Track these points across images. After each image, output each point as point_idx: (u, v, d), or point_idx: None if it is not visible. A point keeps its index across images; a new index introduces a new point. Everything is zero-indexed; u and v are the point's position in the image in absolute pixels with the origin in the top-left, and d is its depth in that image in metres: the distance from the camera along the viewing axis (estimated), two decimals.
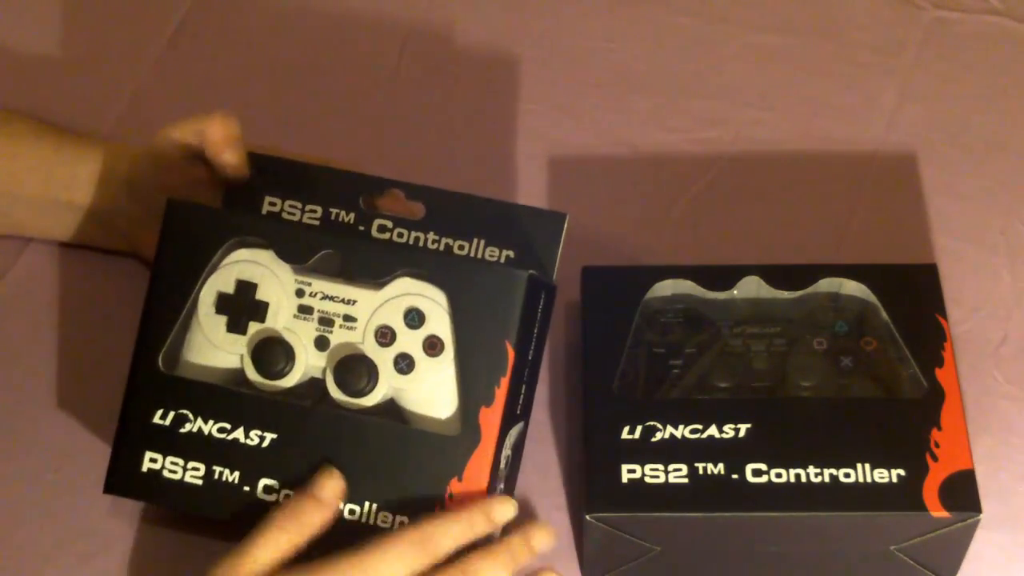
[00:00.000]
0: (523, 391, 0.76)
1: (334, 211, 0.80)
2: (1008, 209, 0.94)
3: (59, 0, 1.05)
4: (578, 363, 0.83)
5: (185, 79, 1.02)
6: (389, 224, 0.80)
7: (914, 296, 0.82)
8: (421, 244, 0.80)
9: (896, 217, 0.94)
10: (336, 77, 1.02)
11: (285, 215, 0.81)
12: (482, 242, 0.79)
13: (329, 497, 0.72)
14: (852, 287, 0.83)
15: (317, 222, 0.80)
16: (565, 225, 0.79)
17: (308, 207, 0.81)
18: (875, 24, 1.03)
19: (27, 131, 0.90)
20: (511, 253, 0.79)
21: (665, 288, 0.83)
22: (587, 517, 0.75)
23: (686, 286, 0.83)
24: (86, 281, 0.91)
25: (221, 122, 0.80)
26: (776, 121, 0.99)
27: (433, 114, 1.00)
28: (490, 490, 0.73)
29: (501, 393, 0.73)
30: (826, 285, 0.83)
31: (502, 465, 0.75)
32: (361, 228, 0.80)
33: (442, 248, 0.79)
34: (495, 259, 0.79)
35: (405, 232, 0.80)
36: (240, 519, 0.74)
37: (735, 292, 0.83)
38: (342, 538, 0.71)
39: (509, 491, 0.78)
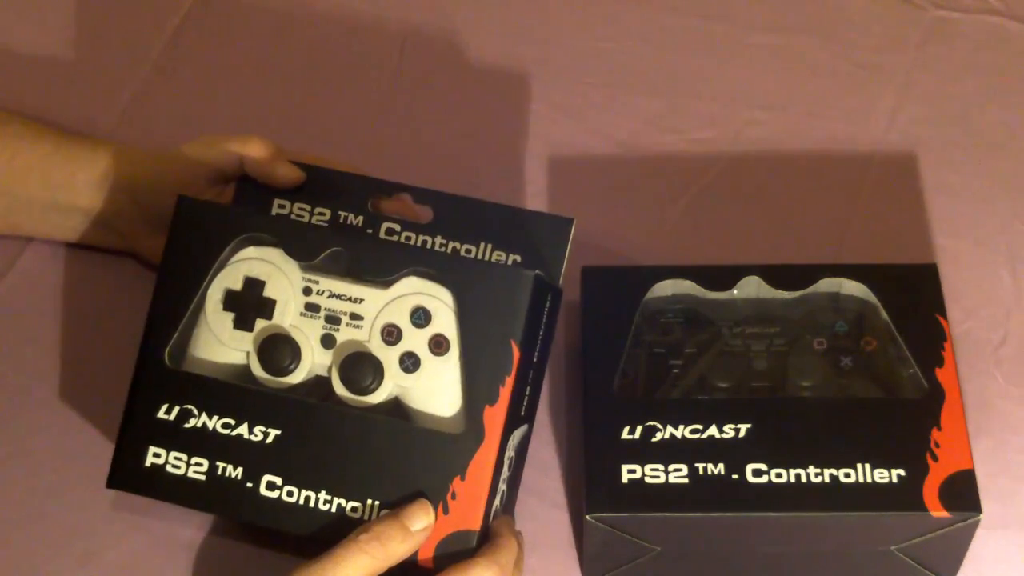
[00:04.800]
0: (528, 393, 0.76)
1: (343, 214, 0.81)
2: (1008, 209, 0.94)
3: (59, 0, 1.05)
4: (578, 363, 0.83)
5: (185, 79, 1.02)
6: (397, 227, 0.80)
7: (914, 296, 0.82)
8: (428, 247, 0.80)
9: (896, 217, 0.94)
10: (336, 78, 1.02)
11: (294, 217, 0.81)
12: (489, 246, 0.80)
13: (419, 530, 0.72)
14: (852, 287, 0.83)
15: (325, 225, 0.81)
16: (572, 230, 0.79)
17: (317, 210, 0.81)
18: (875, 24, 1.03)
19: (26, 132, 0.89)
20: (518, 257, 0.79)
21: (665, 288, 0.83)
22: (587, 517, 0.75)
23: (686, 286, 0.83)
24: (86, 281, 0.91)
25: (261, 142, 0.82)
26: (776, 121, 0.99)
27: (433, 115, 1.00)
28: (492, 490, 0.73)
29: (505, 392, 0.73)
30: (826, 285, 0.83)
31: (505, 466, 0.75)
32: (369, 231, 0.81)
33: (449, 252, 0.80)
34: (502, 263, 0.79)
35: (413, 236, 0.80)
36: (245, 517, 0.74)
37: (735, 292, 0.83)
38: (343, 536, 0.71)
39: (512, 494, 0.78)
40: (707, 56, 1.02)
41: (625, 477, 0.76)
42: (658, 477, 0.75)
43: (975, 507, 0.74)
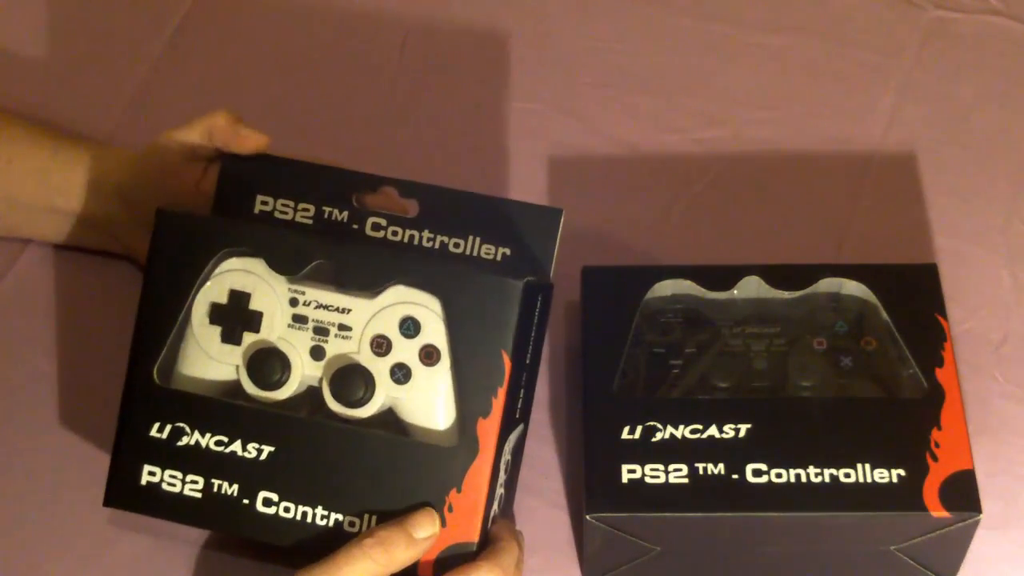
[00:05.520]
0: (521, 395, 0.76)
1: (327, 210, 0.80)
2: (1008, 209, 0.94)
3: (59, 0, 1.05)
4: (578, 363, 0.83)
5: (185, 79, 1.02)
6: (383, 222, 0.79)
7: (914, 296, 0.82)
8: (416, 243, 0.79)
9: (896, 217, 0.94)
10: (336, 76, 1.02)
11: (277, 214, 0.80)
12: (477, 239, 0.79)
13: (423, 538, 0.71)
14: (852, 287, 0.83)
15: (310, 221, 0.80)
16: (561, 220, 0.78)
17: (301, 206, 0.80)
18: (875, 24, 1.03)
19: (23, 135, 0.89)
20: (507, 250, 0.78)
21: (665, 288, 0.83)
22: (587, 517, 0.75)
23: (686, 286, 0.83)
24: (84, 283, 0.91)
25: (226, 112, 0.81)
26: (776, 121, 0.99)
27: (433, 113, 1.00)
28: (489, 500, 0.73)
29: (498, 404, 0.72)
30: (826, 285, 0.83)
31: (502, 472, 0.74)
32: (355, 227, 0.79)
33: (437, 246, 0.79)
34: (491, 257, 0.78)
35: (399, 230, 0.79)
36: (243, 533, 0.74)
37: (735, 292, 0.83)
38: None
39: (510, 495, 0.78)
40: (707, 56, 1.02)
41: (625, 477, 0.76)
42: (658, 477, 0.75)
43: (975, 507, 0.74)
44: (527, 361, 0.75)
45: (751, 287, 0.83)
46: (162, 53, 1.03)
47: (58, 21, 1.04)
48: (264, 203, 0.80)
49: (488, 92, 1.01)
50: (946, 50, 1.02)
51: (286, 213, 0.80)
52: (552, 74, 1.01)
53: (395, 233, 0.79)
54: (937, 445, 0.76)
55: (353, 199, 0.80)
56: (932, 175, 0.96)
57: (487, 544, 0.73)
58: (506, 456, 0.75)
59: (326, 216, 0.80)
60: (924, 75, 1.01)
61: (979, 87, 1.00)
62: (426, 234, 0.79)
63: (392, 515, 0.72)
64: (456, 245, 0.79)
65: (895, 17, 1.04)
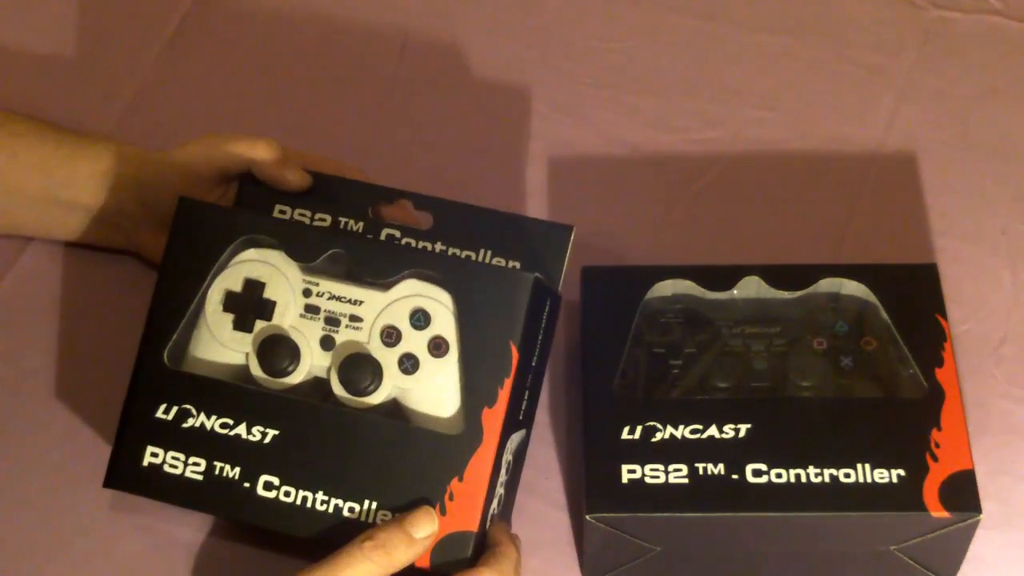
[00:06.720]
0: (526, 397, 0.76)
1: (343, 220, 0.81)
2: (1008, 209, 0.94)
3: (59, 0, 1.05)
4: (578, 363, 0.83)
5: (185, 79, 1.02)
6: (397, 234, 0.81)
7: (914, 296, 0.82)
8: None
9: (896, 217, 0.94)
10: (336, 78, 1.02)
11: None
12: (489, 252, 0.80)
13: (423, 538, 0.71)
14: (852, 287, 0.83)
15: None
16: (571, 237, 0.79)
17: (318, 215, 0.82)
18: (875, 24, 1.03)
19: (28, 130, 0.89)
20: (517, 264, 0.80)
21: (665, 288, 0.83)
22: (587, 517, 0.75)
23: (686, 286, 0.83)
24: (87, 280, 0.91)
25: (268, 145, 0.82)
26: (776, 121, 0.99)
27: (433, 115, 1.00)
28: (489, 491, 0.73)
29: (504, 394, 0.73)
30: (826, 285, 0.83)
31: (503, 468, 0.75)
32: (369, 236, 0.81)
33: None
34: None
35: (413, 242, 0.81)
36: (242, 517, 0.74)
37: (735, 292, 0.83)
38: (340, 537, 0.71)
39: (510, 499, 0.78)
40: (707, 56, 1.02)
41: (625, 477, 0.76)
42: (658, 477, 0.75)
43: (975, 507, 0.74)
44: (533, 363, 0.76)
45: (751, 287, 0.83)
46: (162, 53, 1.03)
47: (58, 21, 1.04)
48: (282, 212, 0.82)
49: (487, 93, 1.01)
50: (946, 50, 1.02)
51: (303, 222, 0.81)
52: (552, 74, 1.01)
53: (408, 244, 0.81)
54: (937, 445, 0.76)
55: (369, 210, 0.81)
56: (932, 175, 0.96)
57: (485, 542, 0.74)
58: (508, 455, 0.75)
59: (342, 226, 0.81)
60: (924, 75, 1.01)
61: (979, 87, 1.00)
62: (439, 246, 0.80)
63: (393, 502, 0.73)
64: (467, 258, 0.80)
65: (895, 17, 1.04)
